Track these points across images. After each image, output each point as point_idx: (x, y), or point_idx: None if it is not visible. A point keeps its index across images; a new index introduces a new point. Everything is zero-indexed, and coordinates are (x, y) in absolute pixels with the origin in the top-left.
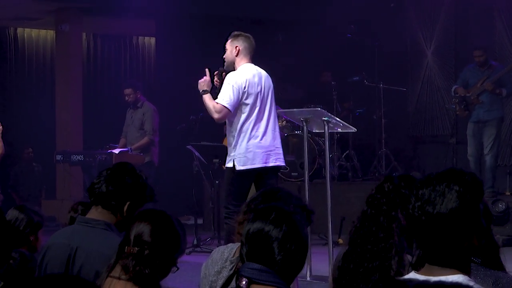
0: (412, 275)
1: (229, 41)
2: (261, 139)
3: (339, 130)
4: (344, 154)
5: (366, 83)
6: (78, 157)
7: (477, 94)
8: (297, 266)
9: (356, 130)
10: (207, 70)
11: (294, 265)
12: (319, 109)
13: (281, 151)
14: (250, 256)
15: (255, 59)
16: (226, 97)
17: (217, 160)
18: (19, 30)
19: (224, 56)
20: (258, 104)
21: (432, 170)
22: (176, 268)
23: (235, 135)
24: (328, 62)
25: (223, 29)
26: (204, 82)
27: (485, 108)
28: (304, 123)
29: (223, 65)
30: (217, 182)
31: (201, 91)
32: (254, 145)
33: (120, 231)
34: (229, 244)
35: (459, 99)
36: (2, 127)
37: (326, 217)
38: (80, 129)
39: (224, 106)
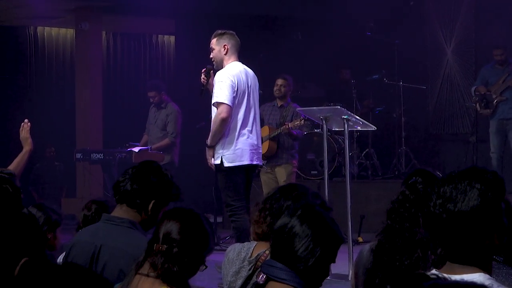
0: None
1: (214, 40)
2: (248, 137)
3: (359, 128)
4: (364, 152)
5: (386, 81)
6: (98, 156)
7: (500, 91)
8: (322, 267)
9: (375, 128)
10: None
11: (319, 265)
12: (339, 107)
13: (261, 150)
14: (274, 251)
15: (276, 57)
16: (221, 94)
17: None
18: (39, 29)
19: (212, 56)
20: (245, 102)
21: (452, 168)
22: (205, 267)
23: (224, 133)
24: (347, 60)
25: (242, 27)
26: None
27: (509, 105)
28: (324, 122)
29: (212, 64)
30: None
31: (211, 148)
32: (242, 143)
33: (145, 230)
34: (245, 243)
35: (479, 97)
36: (30, 123)
37: (345, 215)
38: (100, 128)
39: (223, 103)
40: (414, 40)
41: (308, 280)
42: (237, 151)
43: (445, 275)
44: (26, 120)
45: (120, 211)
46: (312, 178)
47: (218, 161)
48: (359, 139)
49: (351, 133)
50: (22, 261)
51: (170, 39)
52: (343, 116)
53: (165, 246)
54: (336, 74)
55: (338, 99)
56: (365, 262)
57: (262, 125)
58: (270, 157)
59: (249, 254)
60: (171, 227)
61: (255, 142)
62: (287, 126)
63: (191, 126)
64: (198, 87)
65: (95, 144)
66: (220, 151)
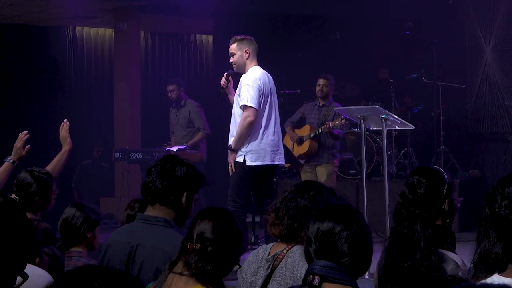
0: (496, 277)
1: (234, 45)
2: (270, 138)
3: (397, 127)
4: (402, 151)
5: (425, 80)
6: (136, 155)
7: None
8: (363, 266)
9: (414, 127)
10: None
11: (361, 264)
12: (377, 106)
13: (283, 151)
14: (319, 254)
15: (314, 57)
16: (249, 97)
17: None
18: (78, 29)
19: (233, 61)
20: (268, 104)
21: (491, 168)
22: (238, 266)
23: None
24: (386, 59)
25: (280, 27)
26: (230, 158)
27: None
28: (362, 121)
29: (232, 68)
30: (275, 179)
31: (234, 152)
32: (266, 143)
33: (180, 225)
34: (263, 245)
35: None
36: (69, 123)
37: (384, 214)
38: (138, 127)
39: (251, 107)
40: (453, 39)
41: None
42: (261, 151)
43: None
44: (65, 120)
45: (154, 210)
46: (350, 177)
47: (240, 159)
48: (397, 138)
49: (389, 132)
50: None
51: (208, 39)
52: (381, 115)
53: (198, 245)
54: (374, 73)
55: (376, 98)
56: (381, 262)
57: (303, 124)
58: (311, 156)
59: (267, 254)
60: (204, 226)
61: (277, 143)
62: (328, 126)
63: (226, 124)
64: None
65: (133, 144)
66: (244, 149)
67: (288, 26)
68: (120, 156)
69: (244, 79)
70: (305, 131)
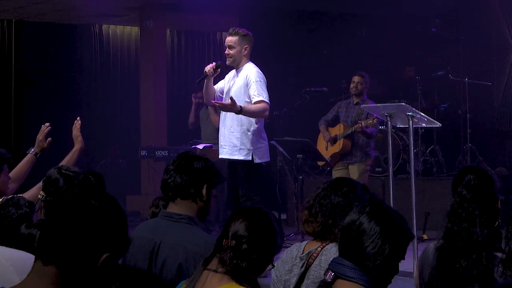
0: None
1: (236, 38)
2: (266, 136)
3: (424, 125)
4: (429, 149)
5: (451, 77)
6: (163, 153)
7: None
8: (391, 264)
9: (440, 125)
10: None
11: (388, 262)
12: (403, 104)
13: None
14: (342, 249)
15: (339, 55)
16: (264, 93)
17: (301, 156)
18: (104, 27)
19: (230, 52)
20: None
21: None
22: (272, 266)
23: (252, 130)
24: (412, 57)
25: (305, 24)
26: (232, 107)
27: None
28: (388, 118)
29: (224, 60)
30: (300, 177)
31: (237, 111)
32: (265, 141)
33: (204, 218)
34: (297, 243)
35: None
36: (81, 121)
37: (410, 212)
38: (165, 125)
39: (267, 103)
40: (479, 36)
41: (377, 278)
42: (265, 148)
43: None
44: (78, 118)
45: (176, 207)
46: (377, 175)
47: (249, 157)
48: (424, 136)
49: (415, 130)
50: (104, 256)
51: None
52: (407, 113)
53: (233, 241)
54: (400, 71)
55: (402, 95)
56: (430, 262)
57: (337, 122)
58: (344, 155)
59: (301, 251)
60: (240, 225)
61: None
62: (360, 125)
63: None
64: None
65: (159, 142)
66: (251, 148)
67: (314, 23)
68: (146, 154)
69: (255, 74)
70: (338, 130)
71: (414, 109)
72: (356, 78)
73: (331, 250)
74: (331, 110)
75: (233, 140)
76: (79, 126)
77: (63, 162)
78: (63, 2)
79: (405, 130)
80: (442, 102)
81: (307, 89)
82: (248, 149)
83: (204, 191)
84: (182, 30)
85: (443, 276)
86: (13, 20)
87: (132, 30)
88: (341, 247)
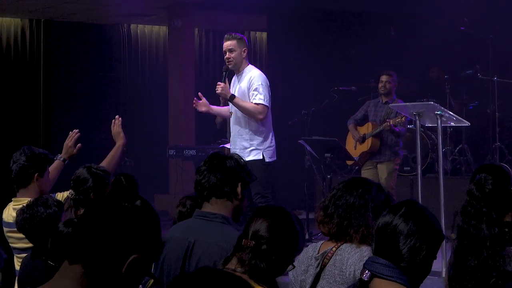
0: None
1: (234, 42)
2: (274, 138)
3: (452, 124)
4: (457, 148)
5: (480, 76)
6: (191, 152)
7: None
8: (425, 264)
9: (469, 124)
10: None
11: (423, 262)
12: (432, 103)
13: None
14: (377, 249)
15: (369, 54)
16: (265, 97)
17: (329, 155)
18: (133, 26)
19: (231, 56)
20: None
21: None
22: (292, 267)
23: (262, 130)
24: (440, 55)
25: (334, 23)
26: (224, 89)
27: None
28: (417, 117)
29: (225, 63)
30: (328, 176)
31: (228, 97)
32: (274, 140)
33: (239, 217)
34: (312, 244)
35: None
36: (121, 118)
37: (439, 211)
38: (193, 125)
39: (266, 106)
40: (508, 35)
41: (412, 277)
42: (273, 147)
43: None
44: (117, 116)
45: (211, 206)
46: (405, 174)
47: (259, 157)
48: (452, 135)
49: (444, 129)
50: (131, 258)
51: (262, 36)
52: (436, 112)
53: (253, 242)
54: (429, 69)
55: (431, 95)
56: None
57: (366, 121)
58: (372, 154)
59: (316, 252)
60: (260, 224)
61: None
62: (388, 123)
63: (283, 123)
64: (292, 85)
65: (187, 141)
66: (261, 147)
67: (343, 22)
68: (174, 153)
69: (259, 78)
70: (367, 129)
71: (442, 108)
72: (384, 77)
73: (346, 250)
74: (360, 109)
75: (243, 143)
76: (119, 123)
77: (107, 160)
78: (91, 2)
79: (433, 129)
80: (470, 101)
81: (335, 88)
82: (259, 149)
83: (238, 189)
84: (210, 29)
85: (458, 275)
86: (42, 20)
87: (160, 30)
88: (377, 248)
